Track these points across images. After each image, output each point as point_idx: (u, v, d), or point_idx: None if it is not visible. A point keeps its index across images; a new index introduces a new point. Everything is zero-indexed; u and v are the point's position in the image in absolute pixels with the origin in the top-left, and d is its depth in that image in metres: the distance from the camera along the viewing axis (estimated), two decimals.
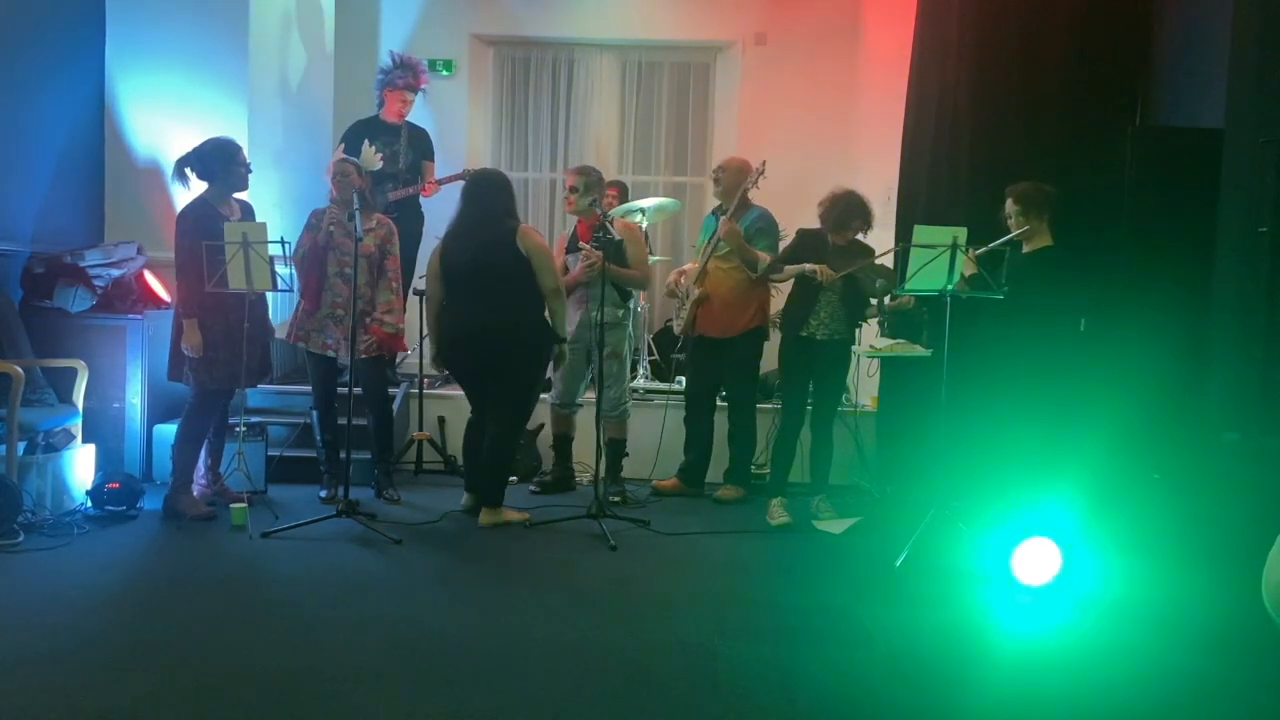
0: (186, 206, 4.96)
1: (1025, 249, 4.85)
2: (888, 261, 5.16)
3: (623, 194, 7.14)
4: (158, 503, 5.02)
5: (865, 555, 4.62)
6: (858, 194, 5.16)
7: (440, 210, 6.66)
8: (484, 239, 4.87)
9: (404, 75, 6.31)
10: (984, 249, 4.69)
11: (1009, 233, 4.81)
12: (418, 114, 6.62)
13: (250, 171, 5.05)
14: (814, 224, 5.22)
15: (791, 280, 5.27)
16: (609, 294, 5.21)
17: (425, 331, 6.34)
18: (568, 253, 5.51)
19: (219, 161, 4.93)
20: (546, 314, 4.95)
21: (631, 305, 5.69)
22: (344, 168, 5.20)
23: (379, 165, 5.30)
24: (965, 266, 4.68)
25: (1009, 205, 4.86)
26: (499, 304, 4.84)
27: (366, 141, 5.72)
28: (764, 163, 5.42)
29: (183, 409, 5.07)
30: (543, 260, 4.88)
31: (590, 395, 5.57)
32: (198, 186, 4.97)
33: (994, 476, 4.75)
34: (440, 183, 6.36)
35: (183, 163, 4.94)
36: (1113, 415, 4.75)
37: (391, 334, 5.24)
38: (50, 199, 5.80)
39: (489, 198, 4.95)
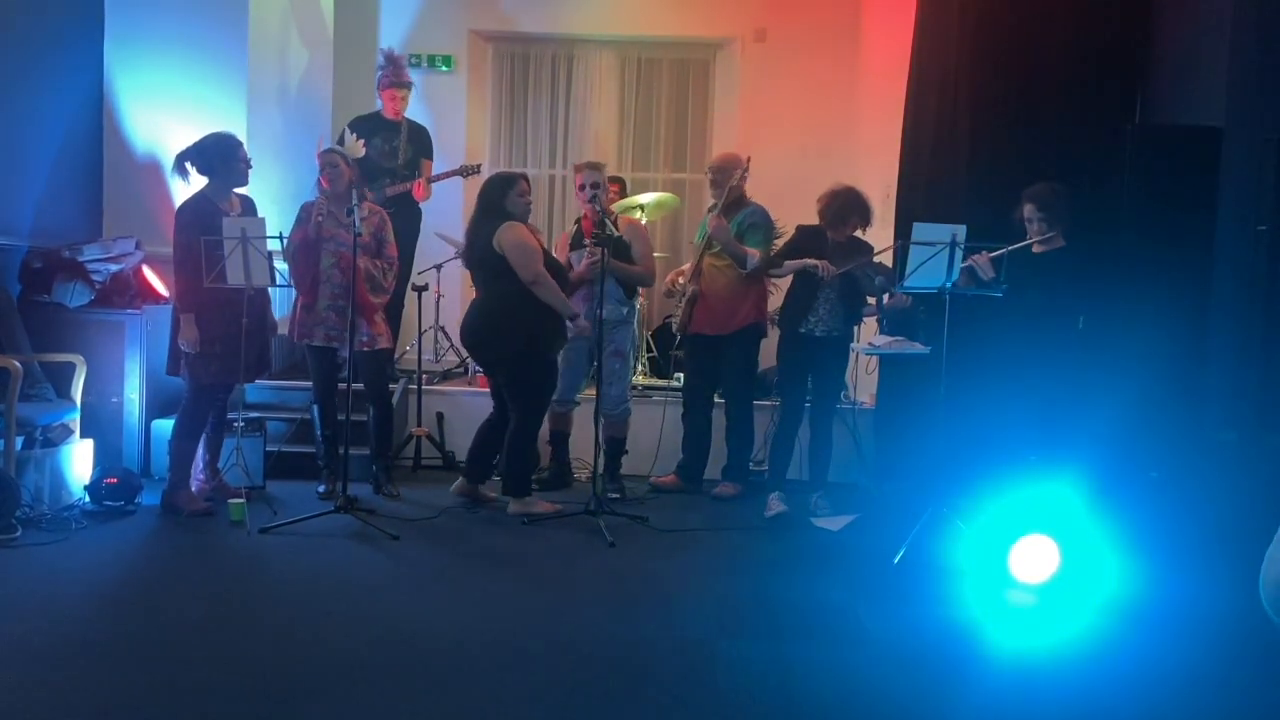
0: (186, 201, 4.95)
1: (1037, 249, 4.83)
2: (886, 258, 5.15)
3: (622, 190, 7.14)
4: (156, 498, 5.02)
5: (863, 552, 4.62)
6: (857, 190, 5.15)
7: (438, 205, 6.70)
8: (476, 239, 5.04)
9: (389, 73, 6.37)
10: (1001, 251, 4.66)
11: (1018, 231, 4.78)
12: (417, 111, 6.61)
13: (250, 167, 5.03)
14: (812, 220, 5.21)
15: (790, 277, 5.27)
16: (614, 291, 5.22)
17: (424, 327, 6.39)
18: (571, 249, 5.51)
19: (219, 157, 4.91)
20: (534, 312, 4.94)
21: (635, 303, 5.70)
22: (331, 159, 5.18)
23: (363, 153, 5.31)
24: (982, 272, 4.66)
25: (1029, 210, 4.77)
26: (484, 306, 5.05)
27: (348, 130, 5.72)
28: (748, 158, 5.42)
29: (180, 404, 5.07)
30: (516, 255, 4.89)
31: (589, 392, 5.57)
32: (197, 181, 4.96)
33: (992, 474, 4.74)
34: (431, 181, 6.37)
35: (183, 157, 4.91)
36: (1111, 413, 4.75)
37: (374, 292, 5.22)
38: (48, 193, 5.79)
39: (483, 198, 5.09)
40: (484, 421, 5.29)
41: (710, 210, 5.64)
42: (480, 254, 4.99)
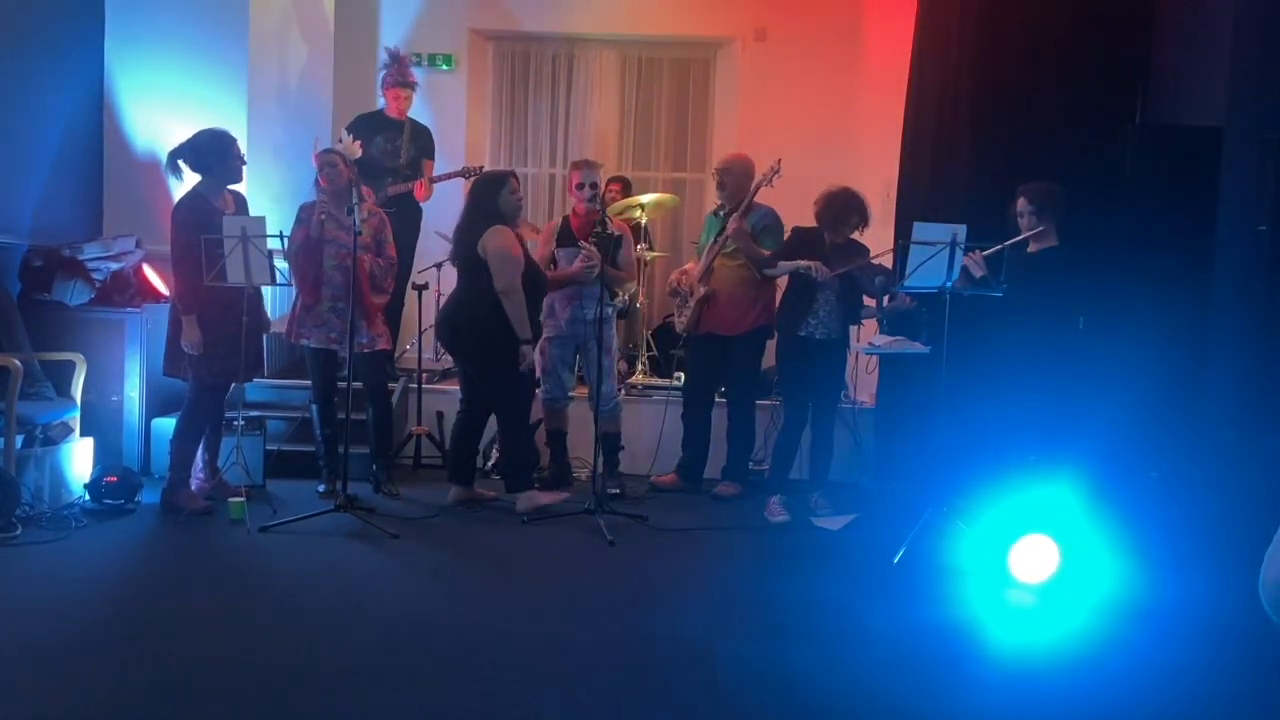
0: (181, 200, 4.94)
1: (1031, 248, 4.84)
2: (885, 260, 5.15)
3: (625, 189, 7.14)
4: (155, 496, 5.02)
5: (863, 552, 4.62)
6: (854, 191, 5.14)
7: (438, 205, 6.69)
8: (464, 238, 5.07)
9: (393, 72, 6.37)
10: (993, 249, 4.67)
11: (1016, 230, 4.80)
12: (417, 109, 6.61)
13: (245, 163, 5.02)
14: (813, 221, 5.21)
15: (787, 279, 5.27)
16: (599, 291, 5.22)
17: (424, 326, 6.39)
18: (559, 246, 5.49)
19: (213, 153, 4.89)
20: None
21: (619, 303, 5.70)
22: (330, 159, 5.16)
23: (359, 154, 5.30)
24: (974, 269, 4.67)
25: (1021, 204, 4.81)
26: (464, 302, 5.06)
27: (345, 131, 5.72)
28: (779, 160, 5.39)
29: (181, 403, 5.07)
30: (497, 262, 4.92)
31: (582, 390, 5.58)
32: (191, 179, 4.95)
33: (992, 474, 4.75)
34: (434, 181, 6.37)
35: (176, 154, 4.90)
36: (1111, 412, 4.75)
37: (375, 291, 5.22)
38: (48, 192, 5.79)
39: (474, 198, 5.14)
40: (455, 423, 5.34)
41: (718, 211, 5.63)
42: (466, 254, 5.03)
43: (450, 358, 5.48)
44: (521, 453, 5.22)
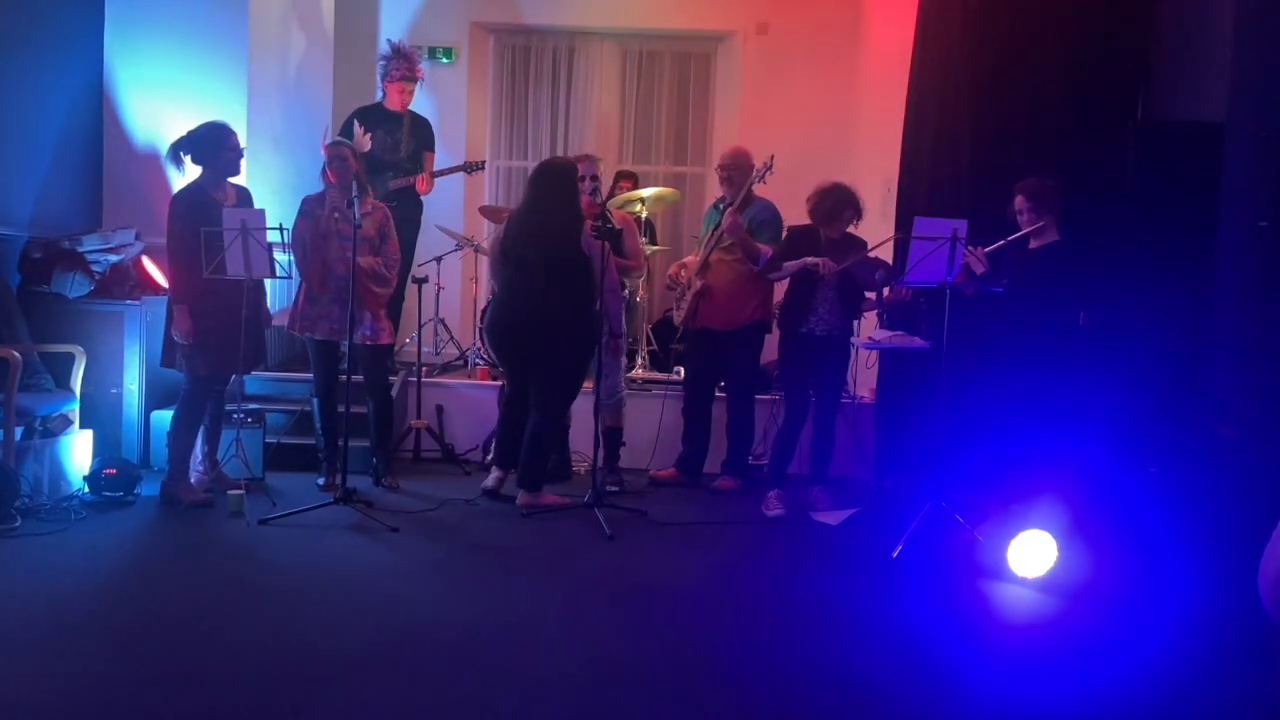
0: (180, 191, 4.94)
1: (1033, 244, 4.85)
2: (882, 252, 5.15)
3: (635, 185, 7.13)
4: (155, 489, 5.02)
5: (862, 547, 4.62)
6: (846, 185, 5.15)
7: (439, 199, 6.69)
8: (549, 230, 4.96)
9: (399, 65, 6.34)
10: (995, 246, 4.68)
11: (1016, 227, 4.80)
12: (418, 102, 6.61)
13: (241, 156, 5.00)
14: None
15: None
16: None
17: (424, 320, 6.39)
18: None
19: (209, 145, 4.88)
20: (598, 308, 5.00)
21: (624, 295, 5.70)
22: (340, 151, 5.15)
23: (369, 147, 5.28)
24: (974, 265, 4.68)
25: (1019, 201, 4.83)
26: (560, 294, 4.95)
27: (356, 123, 5.71)
28: (772, 157, 5.39)
29: (178, 395, 5.07)
30: (600, 261, 4.91)
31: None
32: (193, 171, 4.95)
33: (991, 469, 4.75)
34: (436, 175, 6.36)
35: (177, 146, 4.89)
36: (1111, 408, 4.75)
37: (378, 287, 5.18)
38: (48, 184, 5.79)
39: (558, 189, 5.03)
40: (501, 418, 5.31)
41: (719, 204, 5.62)
42: (561, 251, 4.95)
43: (495, 355, 5.36)
44: (548, 452, 5.21)
